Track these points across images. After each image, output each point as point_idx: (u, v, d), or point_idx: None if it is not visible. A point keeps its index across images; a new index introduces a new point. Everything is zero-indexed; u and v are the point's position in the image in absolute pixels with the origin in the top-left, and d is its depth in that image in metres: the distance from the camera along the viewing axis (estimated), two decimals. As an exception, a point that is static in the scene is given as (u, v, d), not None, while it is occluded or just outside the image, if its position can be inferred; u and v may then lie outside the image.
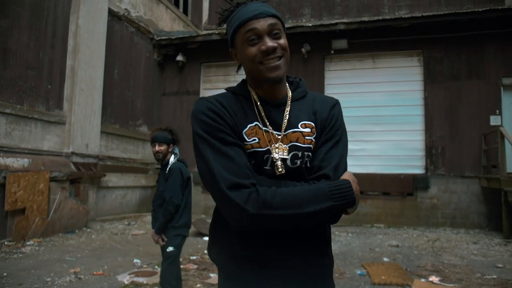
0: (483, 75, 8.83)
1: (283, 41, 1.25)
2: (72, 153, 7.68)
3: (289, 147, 1.25)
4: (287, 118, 1.28)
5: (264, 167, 1.24)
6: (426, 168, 9.04)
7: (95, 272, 4.80)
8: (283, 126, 1.27)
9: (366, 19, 9.64)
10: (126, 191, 9.41)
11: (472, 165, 8.73)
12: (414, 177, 9.00)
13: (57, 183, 7.08)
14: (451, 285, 4.38)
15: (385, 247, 6.53)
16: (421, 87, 9.27)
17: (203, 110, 1.24)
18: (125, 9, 9.54)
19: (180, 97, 11.05)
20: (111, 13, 8.97)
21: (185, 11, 12.98)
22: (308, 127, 1.29)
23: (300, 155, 1.25)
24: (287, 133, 1.27)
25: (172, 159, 3.48)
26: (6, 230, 6.20)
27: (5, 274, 4.62)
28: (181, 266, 5.05)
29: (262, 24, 1.23)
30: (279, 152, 1.24)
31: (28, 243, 6.20)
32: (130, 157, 9.73)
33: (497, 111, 8.69)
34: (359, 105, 9.58)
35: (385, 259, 5.66)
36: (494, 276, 4.80)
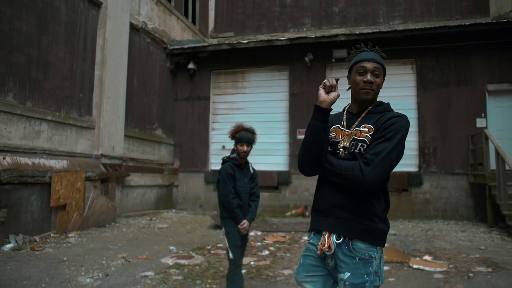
0: (470, 82, 9.77)
1: (379, 79, 1.98)
2: (101, 155, 8.48)
3: (350, 140, 1.93)
4: (357, 122, 1.97)
5: (336, 151, 1.96)
6: (420, 166, 9.96)
7: (140, 257, 5.63)
8: (353, 127, 1.97)
9: (364, 31, 10.52)
10: (146, 190, 10.23)
11: (461, 163, 9.66)
12: (408, 174, 9.91)
13: (90, 182, 7.88)
14: (441, 261, 5.27)
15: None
16: (415, 93, 10.20)
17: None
18: (143, 21, 10.35)
19: (191, 102, 11.88)
20: (131, 26, 9.77)
21: (193, 21, 13.81)
22: (367, 128, 1.91)
23: (355, 144, 1.90)
24: (353, 131, 1.95)
25: (249, 160, 3.92)
26: (51, 224, 7.00)
27: (64, 258, 5.43)
28: (211, 252, 5.93)
29: (370, 65, 1.96)
30: (344, 142, 1.95)
31: (70, 235, 7.00)
32: (148, 158, 10.54)
33: (483, 114, 9.64)
34: (358, 109, 10.47)
35: (386, 245, 6.54)
36: (477, 255, 5.71)
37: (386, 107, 2.02)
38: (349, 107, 2.08)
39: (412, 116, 10.15)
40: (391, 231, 7.69)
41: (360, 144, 1.87)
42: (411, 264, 5.09)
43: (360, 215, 1.85)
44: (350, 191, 1.84)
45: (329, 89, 1.97)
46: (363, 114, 1.98)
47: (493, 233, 7.65)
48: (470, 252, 5.98)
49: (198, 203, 11.43)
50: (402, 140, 1.88)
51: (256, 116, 11.35)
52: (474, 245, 6.56)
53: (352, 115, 2.02)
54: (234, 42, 11.35)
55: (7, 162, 6.15)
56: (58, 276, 4.61)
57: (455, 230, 7.99)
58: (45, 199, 6.87)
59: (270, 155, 11.09)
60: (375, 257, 1.84)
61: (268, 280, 4.60)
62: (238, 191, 3.80)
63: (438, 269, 4.87)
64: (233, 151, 3.86)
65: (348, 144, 1.91)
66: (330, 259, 1.89)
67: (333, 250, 1.85)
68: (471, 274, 4.72)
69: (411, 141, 10.10)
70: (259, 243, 6.64)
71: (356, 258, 1.80)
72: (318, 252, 1.89)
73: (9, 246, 5.93)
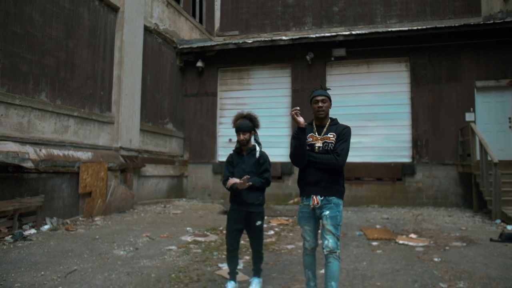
0: (460, 79, 10.52)
1: (326, 104, 3.40)
2: (120, 147, 9.29)
3: (322, 142, 3.38)
4: (324, 131, 3.42)
5: (314, 148, 3.39)
6: (413, 157, 10.74)
7: (162, 235, 6.45)
8: (322, 134, 3.41)
9: (361, 31, 11.24)
10: (159, 180, 11.06)
11: (451, 154, 10.44)
12: (402, 165, 10.70)
13: (111, 172, 8.70)
14: (424, 238, 6.08)
15: (378, 219, 8.23)
16: (408, 88, 10.96)
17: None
18: (155, 23, 11.11)
19: (200, 98, 12.67)
20: (145, 28, 10.54)
21: (200, 21, 14.54)
22: (332, 135, 3.37)
23: (327, 144, 3.35)
24: (323, 136, 3.40)
25: (257, 147, 3.94)
26: (79, 209, 7.84)
27: (97, 236, 6.26)
28: (224, 231, 6.73)
29: (319, 97, 3.40)
30: (318, 143, 3.39)
31: (95, 219, 7.84)
32: (160, 151, 11.35)
33: (471, 108, 10.39)
34: (355, 104, 11.25)
35: (378, 226, 7.36)
36: (457, 234, 6.52)
37: (337, 122, 3.47)
38: (314, 122, 3.50)
39: (405, 110, 10.93)
40: (384, 216, 8.52)
41: (330, 144, 3.35)
42: (397, 240, 5.90)
43: (333, 184, 3.35)
44: (328, 172, 3.32)
45: (299, 115, 3.30)
46: (326, 127, 3.43)
47: (476, 217, 8.45)
48: (451, 231, 6.79)
49: (206, 192, 12.25)
50: (349, 140, 3.39)
51: (261, 111, 12.01)
52: (457, 226, 7.36)
53: (318, 127, 3.46)
54: (240, 41, 12.10)
55: (43, 153, 6.96)
56: (96, 250, 5.44)
57: (443, 215, 8.79)
58: (74, 186, 7.70)
59: (274, 147, 11.87)
60: (341, 203, 3.35)
61: (274, 252, 5.42)
62: (235, 177, 3.87)
63: (420, 244, 5.68)
64: (237, 141, 3.98)
65: (321, 145, 3.37)
66: (318, 209, 3.33)
67: (319, 204, 3.31)
68: (447, 248, 5.53)
69: (405, 134, 10.88)
70: (265, 225, 7.46)
71: (332, 203, 3.30)
72: (311, 206, 3.33)
73: (46, 227, 6.77)
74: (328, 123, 3.41)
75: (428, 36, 10.65)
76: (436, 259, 4.90)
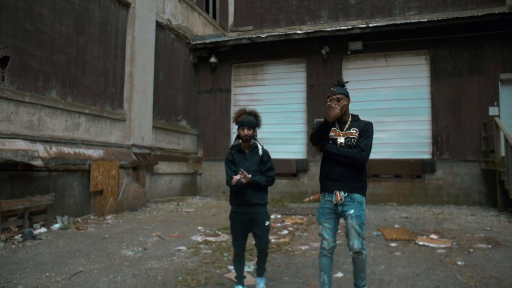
0: (483, 71, 10.06)
1: (341, 102, 3.26)
2: (132, 145, 9.19)
3: (345, 137, 3.30)
4: (346, 127, 3.33)
5: (336, 143, 3.31)
6: (433, 154, 10.34)
7: (172, 235, 6.30)
8: (344, 129, 3.32)
9: (378, 23, 10.88)
10: (172, 177, 10.94)
11: (473, 150, 10.01)
12: (422, 161, 10.32)
13: (123, 170, 8.60)
14: (446, 239, 5.77)
15: (396, 218, 7.92)
16: (428, 82, 10.55)
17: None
18: (167, 19, 10.96)
19: (213, 94, 12.50)
20: (157, 24, 10.40)
21: (214, 16, 14.36)
22: (354, 130, 3.30)
23: (350, 140, 3.29)
24: (346, 132, 3.32)
25: (258, 144, 3.76)
26: (90, 207, 7.76)
27: (106, 236, 6.15)
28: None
29: (336, 96, 3.26)
30: (341, 139, 3.30)
31: (107, 217, 7.74)
32: (173, 148, 11.24)
33: (495, 102, 9.93)
34: (373, 99, 10.91)
35: (396, 225, 7.06)
36: (481, 235, 6.18)
37: (358, 118, 3.42)
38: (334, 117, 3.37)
39: (425, 105, 10.53)
40: (403, 215, 8.20)
41: (353, 139, 3.28)
42: (417, 241, 5.60)
43: (356, 180, 3.28)
44: (351, 166, 3.25)
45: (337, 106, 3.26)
46: (348, 123, 3.35)
47: (501, 216, 8.05)
48: (475, 232, 6.44)
49: (220, 190, 12.09)
50: (372, 136, 3.32)
51: (275, 107, 11.90)
52: (481, 226, 7.00)
53: (341, 123, 3.37)
54: (254, 36, 11.87)
55: (53, 151, 6.89)
56: (104, 250, 5.31)
57: (465, 214, 8.41)
58: (85, 184, 7.62)
59: (289, 144, 11.66)
60: (364, 201, 3.27)
61: (287, 253, 5.20)
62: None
63: (442, 246, 5.37)
64: (237, 137, 3.80)
65: (344, 140, 3.29)
66: (340, 206, 3.23)
67: (343, 200, 3.20)
68: (471, 250, 5.21)
69: (424, 129, 10.49)
70: (278, 224, 7.24)
71: (355, 201, 3.21)
72: (334, 202, 3.22)
73: (57, 225, 6.70)
74: (349, 119, 3.35)
75: (448, 27, 10.21)
76: (459, 263, 4.60)
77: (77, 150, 7.50)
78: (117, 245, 5.61)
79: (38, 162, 6.35)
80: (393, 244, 5.56)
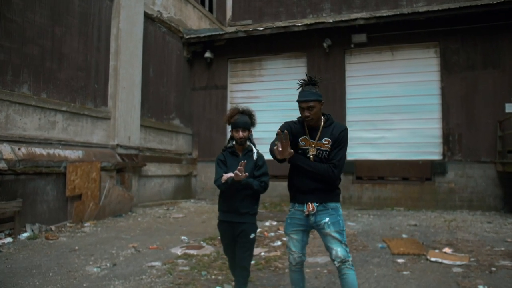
0: (498, 65, 9.24)
1: (314, 110, 2.85)
2: (117, 145, 8.50)
3: (316, 149, 2.94)
4: (318, 135, 2.94)
5: (307, 155, 2.96)
6: (444, 154, 9.55)
7: (150, 247, 5.59)
8: (316, 138, 2.94)
9: (384, 14, 10.11)
10: (163, 180, 10.25)
11: (488, 151, 9.20)
12: (432, 162, 9.53)
13: (106, 172, 7.92)
14: (462, 254, 5.00)
15: (404, 226, 7.15)
16: (438, 77, 9.75)
17: (284, 124, 3.06)
18: (158, 11, 10.27)
19: (209, 91, 11.80)
20: (146, 16, 9.72)
21: (210, 9, 13.65)
22: (327, 141, 2.93)
23: (321, 152, 2.94)
24: (317, 142, 2.94)
25: (253, 147, 3.46)
26: (67, 213, 7.08)
27: (76, 247, 5.46)
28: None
29: (304, 105, 2.87)
30: (312, 152, 2.95)
31: (85, 224, 7.06)
32: (165, 148, 10.54)
33: (512, 98, 9.12)
34: (378, 96, 10.13)
35: (404, 236, 6.29)
36: (503, 248, 5.39)
37: (331, 120, 3.01)
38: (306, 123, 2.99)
39: (435, 101, 9.74)
40: (412, 222, 7.43)
41: (324, 152, 2.94)
42: (428, 257, 4.83)
43: (329, 190, 2.98)
44: (322, 181, 2.95)
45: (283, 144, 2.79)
46: (320, 129, 2.95)
47: (521, 224, 7.25)
48: (495, 244, 5.66)
49: (216, 193, 11.28)
50: (347, 146, 2.99)
51: (274, 104, 11.16)
52: (500, 237, 6.21)
53: (312, 129, 2.97)
54: (250, 29, 11.14)
55: (22, 152, 6.22)
56: (67, 265, 4.62)
57: (480, 221, 7.62)
58: (60, 189, 6.94)
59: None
60: (339, 206, 3.01)
61: (276, 271, 4.47)
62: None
63: (458, 263, 4.61)
64: (230, 139, 3.52)
65: (315, 152, 2.95)
66: (312, 216, 2.95)
67: (315, 210, 2.93)
68: (493, 269, 4.44)
69: (434, 128, 9.70)
70: (272, 233, 6.51)
71: (329, 209, 2.94)
72: (306, 213, 2.94)
73: (25, 235, 6.03)
74: (322, 125, 2.95)
75: (460, 17, 9.40)
76: (481, 287, 3.83)
77: (51, 151, 6.82)
78: (84, 259, 4.92)
79: (1, 165, 5.68)
80: (400, 260, 4.80)
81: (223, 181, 3.20)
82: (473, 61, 9.44)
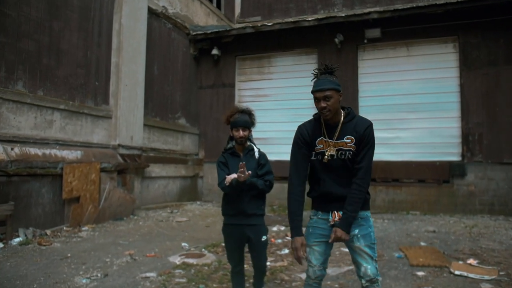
0: (522, 60, 8.66)
1: (331, 101, 2.40)
2: (119, 145, 8.16)
3: (336, 149, 2.48)
4: (337, 132, 2.48)
5: (324, 156, 2.51)
6: (463, 155, 9.00)
7: (148, 254, 5.21)
8: (335, 137, 2.49)
9: (399, 7, 9.59)
10: (168, 181, 9.89)
11: (511, 151, 8.62)
12: (450, 164, 8.99)
13: (106, 173, 7.58)
14: (490, 267, 4.50)
15: (421, 233, 6.65)
16: (457, 73, 9.19)
17: (296, 132, 2.60)
18: (163, 6, 9.92)
19: (216, 89, 11.41)
20: (150, 11, 9.37)
21: (218, 6, 13.27)
22: (349, 139, 2.47)
23: (344, 153, 2.48)
24: (336, 142, 2.48)
25: (254, 146, 3.36)
26: (64, 217, 6.74)
27: (69, 255, 5.10)
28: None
29: (319, 94, 2.42)
30: (330, 152, 2.49)
31: (83, 228, 6.72)
32: (170, 149, 10.18)
33: (538, 96, 8.53)
34: (393, 93, 9.62)
35: (422, 244, 5.80)
36: (533, 260, 4.87)
37: (353, 114, 2.54)
38: (322, 118, 2.53)
39: (454, 99, 9.19)
40: (430, 228, 6.93)
41: (348, 152, 2.48)
42: (452, 270, 4.35)
43: None
44: (348, 184, 2.49)
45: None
46: (340, 126, 2.49)
47: (550, 231, 6.70)
48: (523, 254, 5.14)
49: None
50: (375, 145, 2.54)
51: (283, 103, 10.74)
52: (528, 245, 5.69)
53: (330, 126, 2.52)
54: (259, 25, 10.72)
55: (15, 153, 5.90)
56: (55, 275, 4.26)
57: (505, 227, 7.08)
58: (57, 191, 6.61)
59: (298, 144, 10.44)
60: (369, 215, 2.59)
61: (282, 285, 4.04)
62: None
63: (486, 277, 4.12)
64: (229, 140, 3.39)
65: (334, 152, 2.49)
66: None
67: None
68: (526, 284, 3.95)
69: (453, 127, 9.15)
70: (279, 240, 6.08)
71: (359, 219, 2.50)
72: (331, 223, 2.51)
73: (17, 240, 5.70)
74: (341, 120, 2.50)
75: (482, 9, 8.83)
76: (516, 308, 3.36)
77: (47, 151, 6.49)
78: (75, 268, 4.55)
79: (-9, 166, 5.36)
80: (420, 273, 4.32)
81: (227, 184, 3.09)
82: (495, 56, 8.86)
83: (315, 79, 2.51)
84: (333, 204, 2.53)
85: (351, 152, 2.46)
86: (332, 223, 2.52)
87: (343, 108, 2.54)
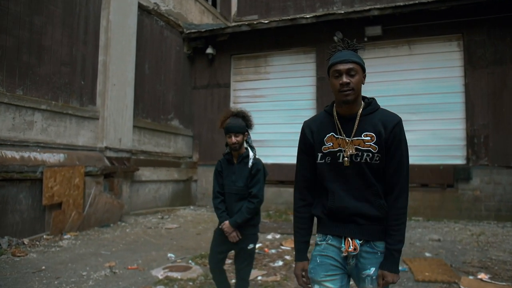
0: (530, 59, 8.26)
1: (356, 78, 1.84)
2: (106, 147, 7.75)
3: (355, 148, 1.87)
4: (355, 128, 1.89)
5: (338, 161, 1.90)
6: (468, 159, 8.59)
7: (129, 267, 4.80)
8: (352, 133, 1.89)
9: (401, 3, 9.20)
10: (159, 185, 9.47)
11: (519, 155, 8.22)
12: (454, 168, 8.58)
13: (91, 177, 7.17)
14: (504, 283, 4.08)
15: (425, 242, 6.23)
16: (461, 73, 8.79)
17: (301, 131, 2.07)
18: (155, 3, 9.52)
19: (211, 90, 11.01)
20: (141, 8, 8.98)
21: (214, 4, 12.89)
22: (369, 136, 1.87)
23: (360, 154, 1.87)
24: (353, 139, 1.88)
25: (250, 153, 3.25)
26: (45, 224, 6.32)
27: (43, 267, 4.69)
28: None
29: (343, 67, 1.84)
30: (350, 151, 1.87)
31: (65, 236, 6.31)
32: (162, 151, 9.77)
33: (546, 96, 8.12)
34: (394, 94, 9.21)
35: (427, 254, 5.38)
36: (549, 274, 4.46)
37: (375, 105, 1.96)
38: (336, 110, 1.97)
39: (458, 100, 8.78)
40: (434, 237, 6.50)
41: (365, 154, 1.88)
42: (462, 286, 3.93)
43: (382, 218, 1.90)
44: (372, 192, 1.90)
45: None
46: (358, 119, 1.91)
47: (562, 239, 6.28)
48: (538, 267, 4.73)
49: (218, 199, 10.55)
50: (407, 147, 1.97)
51: (281, 103, 10.35)
52: (541, 256, 5.27)
53: (345, 120, 1.94)
54: (255, 23, 10.33)
55: (-11, 156, 5.48)
56: (22, 293, 3.85)
57: (513, 235, 6.67)
58: (37, 197, 6.19)
59: (296, 146, 10.03)
60: None
61: (273, 305, 3.62)
62: (224, 191, 3.31)
63: (499, 295, 3.71)
64: (226, 143, 3.30)
65: (353, 151, 1.89)
66: (352, 259, 1.92)
67: (358, 251, 1.89)
68: (546, 304, 3.53)
69: (457, 129, 8.74)
70: (273, 250, 5.65)
71: (378, 253, 1.90)
72: (344, 254, 1.91)
73: (-10, 250, 5.28)
74: (360, 111, 1.91)
75: (487, 5, 8.43)
76: (539, 336, 2.94)
77: (26, 154, 6.08)
78: (47, 283, 4.14)
79: (-40, 170, 4.94)
80: (427, 291, 3.91)
81: (220, 227, 3.20)
82: (501, 54, 8.46)
83: (332, 53, 1.95)
84: (347, 225, 1.92)
85: (370, 155, 1.86)
86: (345, 254, 1.91)
87: (363, 99, 1.98)
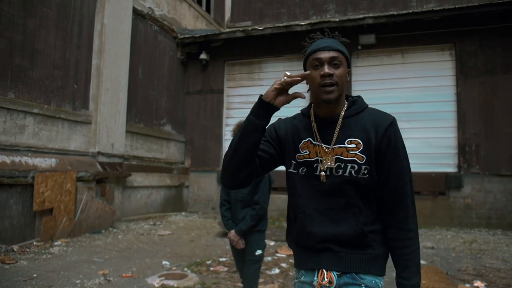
0: (521, 69, 8.40)
1: (340, 70, 1.51)
2: (98, 152, 7.65)
3: (335, 159, 1.51)
4: (336, 134, 1.54)
5: (315, 173, 1.54)
6: (459, 167, 8.67)
7: (123, 274, 4.71)
8: (332, 141, 1.53)
9: (395, 12, 9.31)
10: (151, 191, 9.37)
11: (509, 163, 8.32)
12: (446, 175, 8.65)
13: (83, 183, 7.06)
14: (499, 291, 4.11)
15: (420, 249, 6.24)
16: (453, 82, 8.90)
17: (273, 123, 1.68)
18: (149, 7, 9.48)
19: (204, 95, 10.97)
20: (135, 12, 8.93)
21: (208, 9, 12.89)
22: (354, 143, 1.51)
23: (342, 166, 1.50)
24: (334, 148, 1.53)
25: None
26: (35, 230, 6.19)
27: (34, 275, 4.58)
28: (211, 268, 4.94)
29: (325, 55, 1.50)
30: (328, 162, 1.52)
31: (56, 243, 6.18)
32: (154, 157, 9.68)
33: (536, 106, 8.26)
34: (387, 102, 9.26)
35: (423, 262, 5.39)
36: (544, 282, 4.50)
37: (361, 104, 1.62)
38: (314, 111, 1.63)
39: (450, 109, 8.89)
40: (428, 244, 6.53)
41: (350, 166, 1.50)
42: (459, 295, 3.95)
43: (361, 246, 1.52)
44: (346, 221, 1.51)
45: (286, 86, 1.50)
46: (339, 122, 1.56)
47: (553, 248, 6.36)
48: (532, 275, 4.77)
49: (210, 205, 10.50)
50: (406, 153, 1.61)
51: (274, 110, 10.32)
52: (535, 264, 5.32)
53: (324, 124, 1.58)
54: (249, 29, 10.35)
55: (-21, 160, 5.36)
56: (14, 302, 3.74)
57: (505, 243, 6.73)
58: (27, 202, 6.06)
59: (289, 153, 10.03)
60: (380, 283, 1.56)
61: (272, 314, 3.59)
62: (230, 198, 3.40)
63: (497, 303, 3.73)
64: None
65: (333, 164, 1.52)
66: None
67: (334, 284, 1.51)
68: (543, 312, 3.55)
69: (449, 138, 8.84)
70: (269, 258, 5.62)
71: (363, 285, 1.51)
72: (317, 287, 1.54)
73: (-22, 257, 5.15)
74: (342, 112, 1.57)
75: (478, 17, 8.58)
76: None
77: (17, 159, 5.96)
78: (39, 292, 4.04)
79: (-50, 175, 4.82)
80: (425, 299, 3.92)
81: (227, 238, 3.38)
82: (493, 64, 8.60)
83: (310, 43, 1.62)
84: (320, 254, 1.54)
85: (355, 167, 1.48)
86: (317, 287, 1.53)
87: (346, 97, 1.62)
